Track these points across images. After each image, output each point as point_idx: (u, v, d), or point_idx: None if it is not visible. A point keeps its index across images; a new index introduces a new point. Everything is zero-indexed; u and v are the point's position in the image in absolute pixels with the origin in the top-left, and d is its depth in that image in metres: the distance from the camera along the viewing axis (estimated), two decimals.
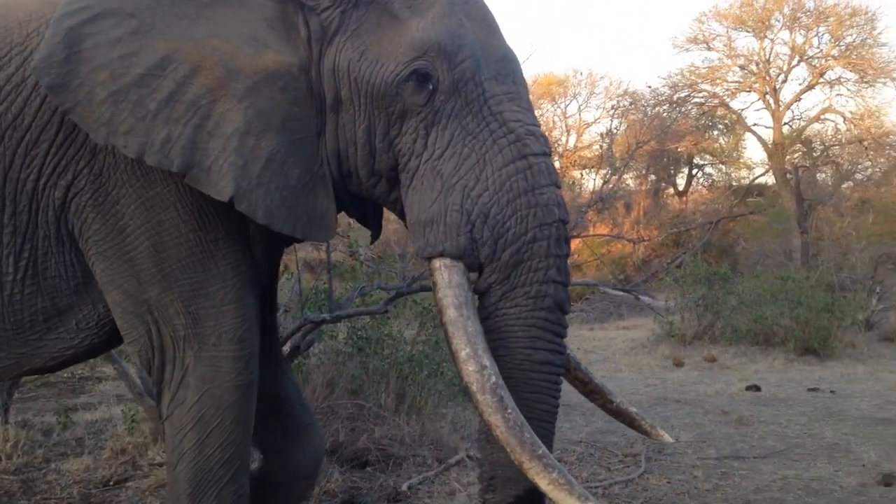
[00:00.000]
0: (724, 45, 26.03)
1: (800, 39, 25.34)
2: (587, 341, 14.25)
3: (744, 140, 28.23)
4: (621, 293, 15.54)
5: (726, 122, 27.64)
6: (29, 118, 3.05)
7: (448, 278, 3.04)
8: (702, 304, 12.87)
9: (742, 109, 26.96)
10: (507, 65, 3.21)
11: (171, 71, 2.94)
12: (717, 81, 26.41)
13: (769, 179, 26.70)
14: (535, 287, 3.07)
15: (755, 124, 26.97)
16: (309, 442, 3.84)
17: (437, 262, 3.07)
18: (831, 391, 8.98)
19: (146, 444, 5.58)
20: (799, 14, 25.04)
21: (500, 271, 3.06)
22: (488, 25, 3.27)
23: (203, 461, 3.22)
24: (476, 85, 3.11)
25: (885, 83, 25.06)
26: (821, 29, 25.18)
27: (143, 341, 3.17)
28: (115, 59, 2.91)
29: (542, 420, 3.07)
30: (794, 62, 25.51)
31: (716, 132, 28.31)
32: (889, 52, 25.05)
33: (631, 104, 28.25)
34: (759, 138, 26.51)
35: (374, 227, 3.57)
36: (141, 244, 3.08)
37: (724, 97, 26.49)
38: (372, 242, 3.71)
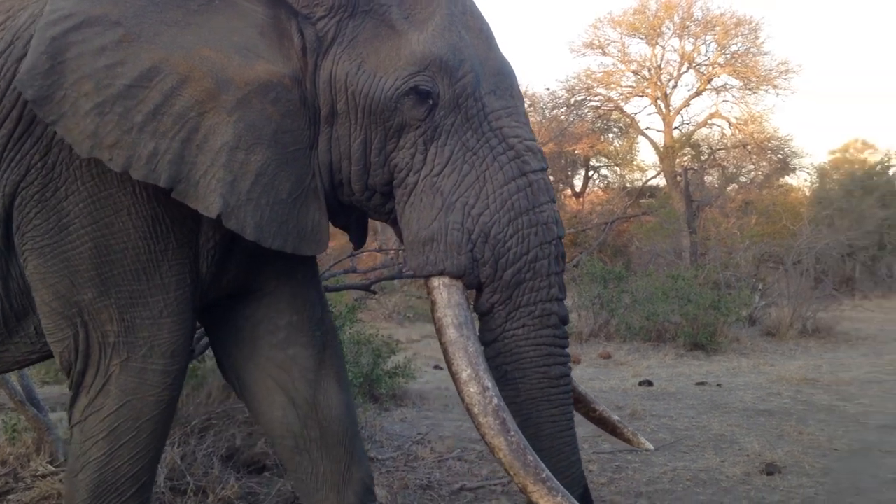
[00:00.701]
0: (619, 51, 26.84)
1: (689, 47, 26.38)
2: None
3: (637, 143, 29.08)
4: None
5: (621, 125, 28.45)
6: None
7: (447, 297, 3.01)
8: (598, 302, 13.22)
9: (635, 113, 27.86)
10: (504, 79, 3.17)
11: (158, 82, 2.81)
12: (612, 86, 27.21)
13: (661, 181, 27.70)
14: (539, 306, 3.06)
15: (648, 128, 28.05)
16: (351, 477, 3.49)
17: (435, 281, 3.03)
18: (718, 384, 9.35)
19: (28, 455, 5.30)
20: (688, 23, 26.07)
21: (501, 291, 3.04)
22: (486, 37, 3.21)
23: (109, 473, 3.11)
24: (476, 100, 3.07)
25: (767, 90, 26.39)
26: (708, 37, 26.29)
27: (67, 343, 3.04)
28: (99, 69, 2.78)
29: (566, 430, 3.11)
30: (684, 69, 26.56)
31: (611, 135, 29.09)
32: (771, 61, 26.27)
33: (529, 106, 28.73)
34: (651, 141, 27.51)
35: (359, 236, 3.50)
36: (83, 245, 2.94)
37: (619, 101, 27.33)
38: (355, 251, 3.58)
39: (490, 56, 3.17)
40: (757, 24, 26.12)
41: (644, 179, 28.70)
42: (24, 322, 3.16)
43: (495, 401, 2.87)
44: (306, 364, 3.50)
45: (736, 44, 26.22)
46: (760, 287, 15.57)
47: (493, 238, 3.02)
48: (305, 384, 3.49)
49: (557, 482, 2.83)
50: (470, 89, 3.05)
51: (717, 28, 25.88)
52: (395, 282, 14.71)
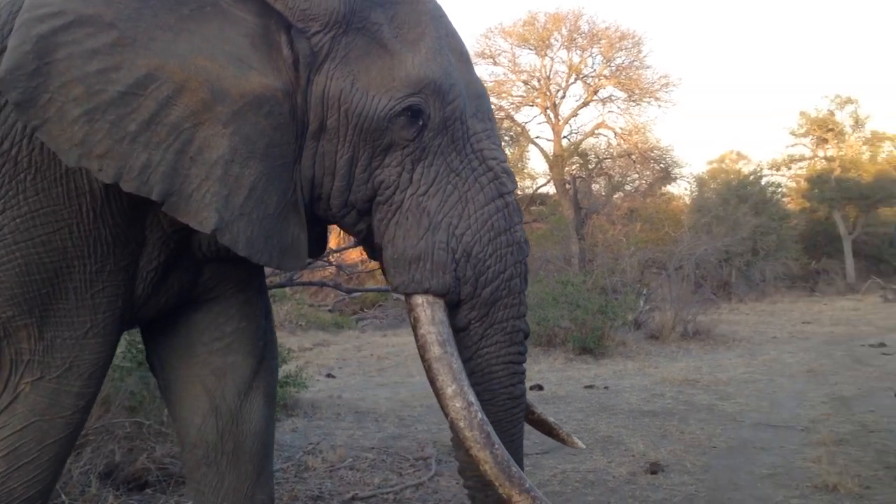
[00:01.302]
0: (509, 61, 27.38)
1: (576, 59, 27.17)
2: (381, 348, 14.35)
3: (528, 151, 29.73)
4: None
5: (512, 134, 28.97)
6: None
7: (431, 315, 3.03)
8: None
9: (526, 122, 28.48)
10: (483, 102, 3.23)
11: (153, 90, 2.67)
12: (503, 95, 27.70)
13: (550, 189, 28.36)
14: (510, 323, 3.14)
15: (538, 137, 28.65)
16: (253, 497, 3.41)
17: (419, 299, 3.05)
18: (605, 387, 9.61)
19: None
20: (575, 35, 26.84)
21: (479, 308, 3.09)
22: (466, 60, 3.25)
23: (3, 494, 2.94)
24: (462, 123, 3.11)
25: (649, 102, 27.46)
26: (594, 50, 27.15)
27: None
28: (91, 74, 2.61)
29: (519, 446, 3.27)
30: (572, 80, 27.33)
31: (502, 143, 29.55)
32: (653, 74, 27.39)
33: None
34: (541, 150, 28.13)
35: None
36: (13, 261, 2.78)
37: (510, 110, 27.83)
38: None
39: (471, 79, 3.23)
40: (639, 39, 27.19)
41: (534, 187, 29.35)
42: None
43: (479, 415, 2.92)
44: (242, 374, 3.42)
45: (620, 57, 27.21)
46: (645, 292, 16.12)
47: (474, 257, 3.07)
48: (235, 394, 3.40)
49: (539, 493, 2.91)
50: (458, 112, 3.10)
51: (603, 41, 26.77)
52: (287, 290, 14.45)
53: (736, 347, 13.59)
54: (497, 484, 2.91)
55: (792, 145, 34.67)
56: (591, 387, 9.65)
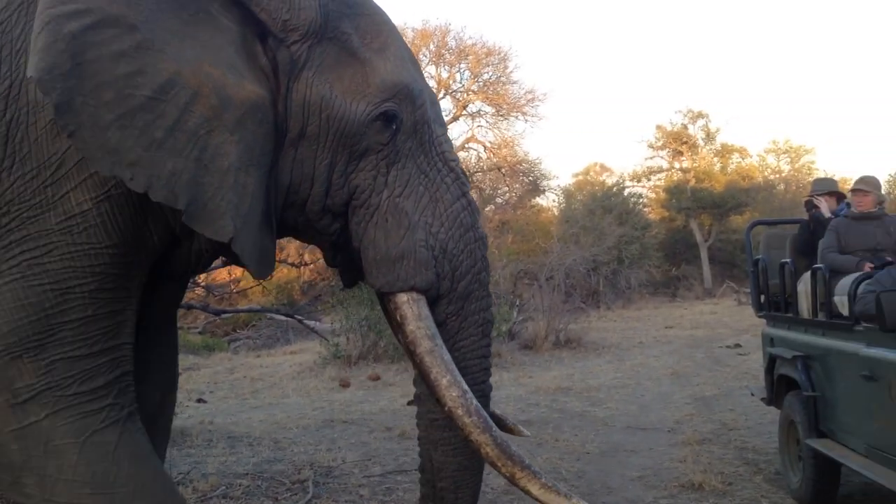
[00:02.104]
0: None
1: (444, 74, 27.50)
2: (254, 369, 13.97)
3: None
4: (287, 318, 15.47)
5: None
6: None
7: (418, 311, 3.16)
8: (365, 324, 13.25)
9: None
10: (438, 107, 3.42)
11: (173, 95, 2.67)
12: None
13: None
14: (481, 315, 3.38)
15: None
16: None
17: (404, 297, 3.17)
18: None
19: None
20: (443, 51, 27.19)
21: (455, 302, 3.29)
22: (419, 67, 3.40)
23: None
24: (428, 127, 3.28)
25: (517, 117, 28.12)
26: (462, 66, 27.58)
27: None
28: (120, 77, 2.58)
29: None
30: (441, 95, 27.58)
31: None
32: (519, 90, 28.10)
33: None
34: None
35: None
36: (14, 289, 2.75)
37: None
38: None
39: (426, 86, 3.37)
40: (506, 55, 27.86)
41: None
42: None
43: (475, 402, 3.09)
44: (147, 408, 3.32)
45: (487, 72, 27.76)
46: (518, 303, 16.40)
47: (449, 253, 3.25)
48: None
49: (536, 468, 3.14)
50: (425, 117, 3.26)
51: (470, 57, 27.25)
52: None
53: (605, 354, 14.03)
54: (499, 464, 3.08)
55: (650, 158, 36.42)
56: None
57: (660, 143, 35.80)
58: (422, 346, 3.13)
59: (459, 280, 3.28)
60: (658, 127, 35.69)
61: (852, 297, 4.61)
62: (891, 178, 29.56)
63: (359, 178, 3.16)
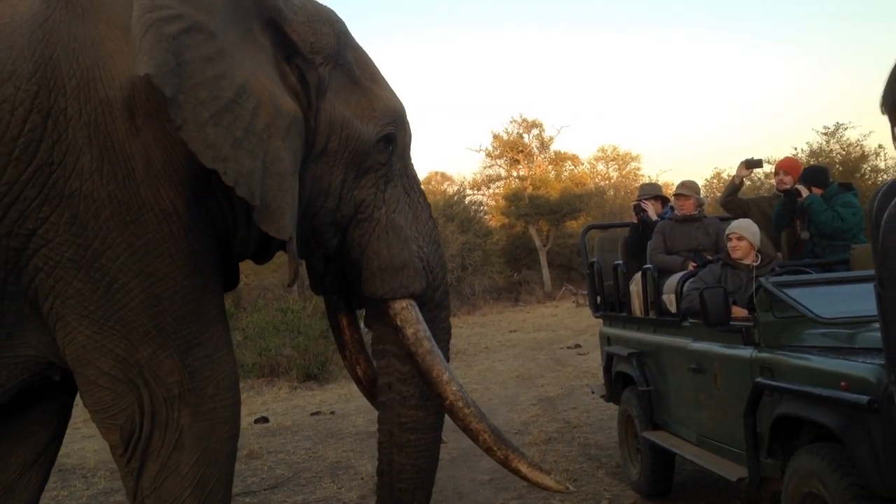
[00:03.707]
0: None
1: None
2: None
3: None
4: None
5: None
6: None
7: (416, 315, 3.52)
8: None
9: None
10: None
11: (245, 100, 2.85)
12: None
13: None
14: (447, 322, 3.85)
15: None
16: None
17: (403, 302, 3.51)
18: (332, 412, 9.60)
19: None
20: None
21: (433, 310, 3.68)
22: None
23: None
24: (408, 150, 3.70)
25: None
26: None
27: (130, 411, 2.84)
28: (210, 79, 2.75)
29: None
30: None
31: None
32: None
33: None
34: None
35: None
36: (134, 299, 2.77)
37: None
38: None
39: None
40: None
41: None
42: None
43: (468, 395, 3.51)
44: (36, 444, 3.38)
45: None
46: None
47: (431, 265, 3.64)
48: (19, 465, 3.34)
49: (523, 451, 3.68)
50: (409, 141, 3.68)
51: None
52: None
53: (453, 360, 14.00)
54: (495, 449, 3.53)
55: (489, 166, 37.36)
56: (317, 413, 9.58)
57: (497, 152, 36.81)
58: (423, 346, 3.47)
59: (436, 290, 3.68)
60: (495, 136, 36.72)
61: (679, 294, 4.89)
62: (707, 182, 31.80)
63: (362, 194, 3.45)
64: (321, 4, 3.42)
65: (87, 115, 2.68)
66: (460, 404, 3.47)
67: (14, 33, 2.66)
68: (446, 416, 3.71)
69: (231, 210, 3.13)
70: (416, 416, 3.64)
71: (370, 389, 3.99)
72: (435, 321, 3.68)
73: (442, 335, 3.74)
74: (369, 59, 3.57)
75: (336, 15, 3.42)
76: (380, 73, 3.60)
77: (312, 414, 9.55)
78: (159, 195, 2.79)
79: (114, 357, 2.79)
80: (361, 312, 4.00)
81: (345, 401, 10.54)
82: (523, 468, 3.55)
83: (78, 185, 2.65)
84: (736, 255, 4.75)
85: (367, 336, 4.06)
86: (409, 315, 3.50)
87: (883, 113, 2.02)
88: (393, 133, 3.49)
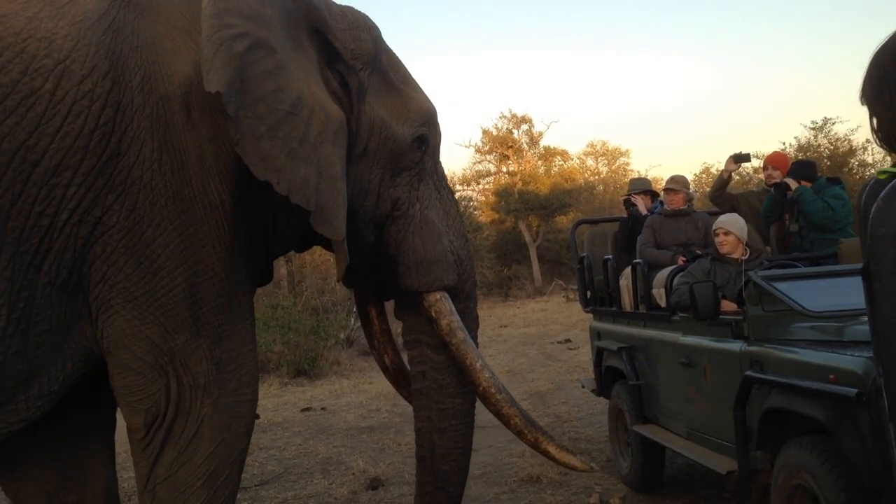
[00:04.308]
0: None
1: None
2: None
3: None
4: None
5: None
6: (46, 140, 2.59)
7: (449, 306, 3.70)
8: None
9: None
10: None
11: (300, 110, 2.99)
12: None
13: None
14: (475, 312, 4.01)
15: None
16: None
17: (437, 294, 3.69)
18: (322, 408, 9.59)
19: None
20: None
21: (463, 301, 3.85)
22: None
23: None
24: (438, 149, 3.88)
25: None
26: None
27: (157, 396, 2.93)
28: (269, 93, 2.88)
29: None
30: None
31: None
32: None
33: None
34: None
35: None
36: (176, 287, 2.86)
37: None
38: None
39: None
40: None
41: None
42: (33, 381, 2.79)
43: (499, 382, 3.72)
44: None
45: None
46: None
47: (462, 258, 3.83)
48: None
49: (551, 434, 3.89)
50: (439, 140, 3.87)
51: None
52: None
53: None
54: (525, 432, 3.74)
55: (478, 162, 37.37)
56: (308, 409, 9.57)
57: (486, 148, 36.82)
58: (457, 336, 3.65)
59: (466, 281, 3.87)
60: (484, 131, 36.73)
61: (668, 289, 4.91)
62: (696, 177, 31.91)
63: (398, 192, 3.63)
64: (358, 11, 3.56)
65: (150, 108, 2.81)
66: (493, 390, 3.67)
67: (89, 31, 2.75)
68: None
69: (275, 207, 3.24)
70: (454, 402, 3.84)
71: (396, 378, 4.22)
72: (465, 312, 3.84)
73: (471, 325, 3.89)
74: (400, 62, 3.73)
75: (371, 21, 3.57)
76: (410, 76, 3.75)
77: (303, 410, 9.54)
78: (209, 188, 2.90)
79: (149, 343, 2.87)
80: (389, 304, 4.20)
81: (335, 397, 10.53)
82: (552, 450, 3.75)
83: (139, 173, 2.76)
84: (724, 249, 4.77)
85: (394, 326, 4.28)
86: (443, 306, 3.68)
87: (863, 104, 2.02)
88: (426, 133, 3.67)
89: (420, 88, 3.76)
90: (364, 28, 3.49)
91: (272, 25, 2.99)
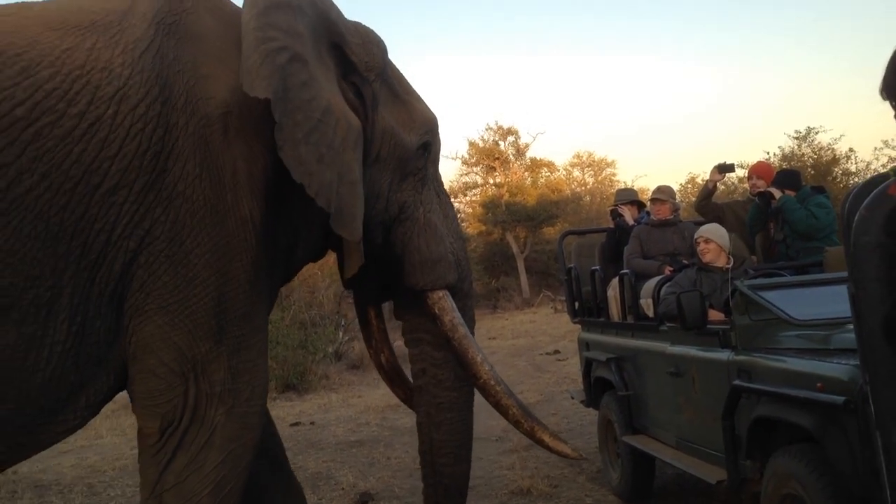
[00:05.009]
0: None
1: None
2: None
3: None
4: None
5: None
6: (107, 162, 2.80)
7: (451, 304, 3.93)
8: None
9: None
10: None
11: (329, 118, 3.24)
12: None
13: None
14: (472, 310, 4.25)
15: None
16: None
17: (440, 293, 3.92)
18: (311, 422, 9.54)
19: None
20: None
21: (461, 300, 4.07)
22: None
23: None
24: (438, 157, 4.14)
25: None
26: None
27: (175, 402, 3.02)
28: (305, 102, 3.14)
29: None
30: None
31: None
32: None
33: None
34: None
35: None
36: (207, 296, 2.99)
37: None
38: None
39: None
40: None
41: None
42: (80, 392, 2.94)
43: (498, 375, 3.96)
44: None
45: None
46: (343, 323, 16.28)
47: (459, 259, 4.06)
48: None
49: (545, 424, 4.10)
50: (439, 148, 4.12)
51: None
52: None
53: None
54: (522, 422, 3.98)
55: (465, 174, 37.43)
56: (297, 424, 9.52)
57: (473, 160, 36.91)
58: (459, 331, 3.87)
59: (464, 280, 4.10)
60: (471, 143, 36.82)
61: (656, 299, 4.93)
62: (682, 187, 32.07)
63: (404, 196, 3.85)
64: (366, 26, 3.82)
65: (192, 127, 3.01)
66: (492, 382, 3.91)
67: (140, 58, 2.96)
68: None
69: (299, 217, 3.47)
70: (451, 396, 4.08)
71: (391, 376, 4.45)
72: (464, 309, 4.04)
73: (469, 322, 4.09)
74: (402, 75, 3.96)
75: (378, 36, 3.82)
76: (412, 87, 4.00)
77: (292, 425, 9.49)
78: (241, 203, 3.09)
79: (176, 349, 2.98)
80: (386, 306, 4.50)
81: (324, 411, 10.49)
82: (546, 438, 4.02)
83: (182, 188, 2.95)
84: (707, 258, 4.79)
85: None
86: (445, 304, 3.90)
87: (884, 99, 2.04)
88: (429, 141, 3.92)
89: (422, 99, 4.00)
90: (374, 43, 3.74)
91: (304, 40, 3.26)
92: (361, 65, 3.61)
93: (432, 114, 4.00)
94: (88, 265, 2.80)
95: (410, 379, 4.26)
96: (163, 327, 2.94)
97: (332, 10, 3.61)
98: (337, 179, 3.22)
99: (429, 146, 3.93)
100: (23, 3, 3.06)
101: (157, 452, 3.05)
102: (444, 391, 4.09)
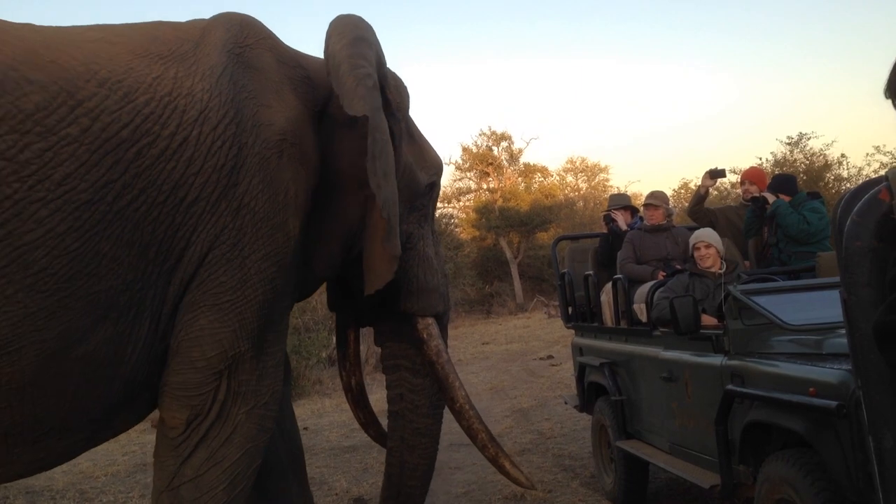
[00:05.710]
0: None
1: None
2: None
3: None
4: None
5: None
6: (192, 178, 3.11)
7: (437, 331, 4.25)
8: None
9: None
10: None
11: (388, 144, 3.59)
12: None
13: None
14: (446, 340, 4.41)
15: None
16: None
17: (430, 319, 4.24)
18: (304, 428, 9.50)
19: None
20: None
21: (442, 331, 4.36)
22: None
23: None
24: (437, 198, 4.48)
25: None
26: None
27: (206, 396, 3.21)
28: (381, 123, 3.53)
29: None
30: None
31: None
32: None
33: None
34: None
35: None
36: (255, 298, 3.26)
37: None
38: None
39: None
40: None
41: None
42: (143, 393, 3.25)
43: (471, 400, 4.30)
44: None
45: None
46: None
47: (446, 292, 4.37)
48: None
49: (507, 452, 4.43)
50: (440, 190, 4.50)
51: None
52: None
53: None
54: (489, 447, 4.30)
55: (459, 179, 37.42)
56: None
57: (467, 165, 36.91)
58: (442, 357, 4.20)
59: (445, 313, 4.40)
60: (464, 149, 36.82)
61: (649, 304, 4.93)
62: (675, 192, 32.12)
63: (410, 228, 4.16)
64: (393, 71, 4.20)
65: (258, 147, 3.34)
66: (467, 407, 4.22)
67: (217, 83, 3.30)
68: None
69: (328, 235, 3.82)
70: (426, 422, 4.35)
71: (356, 400, 4.75)
72: (443, 338, 4.36)
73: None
74: (412, 118, 4.33)
75: (405, 85, 4.24)
76: (420, 130, 4.37)
77: None
78: (288, 220, 3.41)
79: (220, 345, 3.20)
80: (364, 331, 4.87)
81: (318, 416, 10.46)
82: (507, 465, 4.30)
83: (248, 199, 3.27)
84: (706, 263, 4.80)
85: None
86: (433, 330, 4.21)
87: (887, 98, 2.06)
88: (436, 182, 4.31)
89: (430, 143, 4.40)
90: (402, 86, 4.19)
91: (375, 70, 3.68)
92: (394, 104, 3.98)
93: (439, 158, 4.39)
94: (169, 269, 3.11)
95: (374, 405, 4.71)
96: (213, 321, 3.18)
97: (381, 50, 3.96)
98: (393, 197, 3.58)
99: (435, 186, 4.33)
100: (100, 26, 3.34)
101: (180, 445, 3.24)
102: (420, 417, 4.35)
